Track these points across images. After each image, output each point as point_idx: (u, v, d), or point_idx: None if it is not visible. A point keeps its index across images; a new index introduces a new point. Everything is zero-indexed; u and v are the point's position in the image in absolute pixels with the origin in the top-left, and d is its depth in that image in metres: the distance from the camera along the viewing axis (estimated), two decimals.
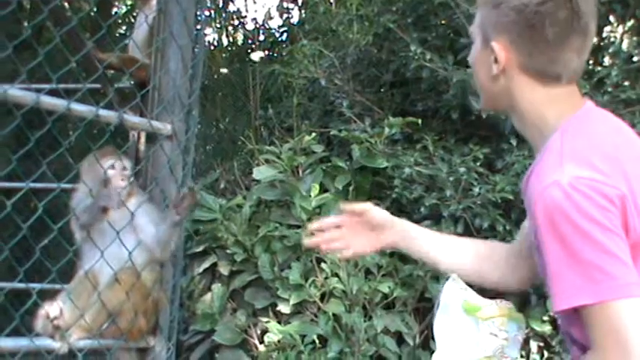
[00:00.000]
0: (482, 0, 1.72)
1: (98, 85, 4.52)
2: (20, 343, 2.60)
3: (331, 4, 6.84)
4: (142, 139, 4.20)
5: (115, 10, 9.25)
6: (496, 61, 1.65)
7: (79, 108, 2.67)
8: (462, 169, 4.94)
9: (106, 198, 2.80)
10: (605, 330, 1.46)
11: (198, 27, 3.41)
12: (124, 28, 9.13)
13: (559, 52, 1.61)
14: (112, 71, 5.19)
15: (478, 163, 5.04)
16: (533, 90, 1.65)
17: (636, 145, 1.64)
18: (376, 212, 2.01)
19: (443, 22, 5.56)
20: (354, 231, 2.01)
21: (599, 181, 1.48)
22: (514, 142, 5.18)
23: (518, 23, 1.61)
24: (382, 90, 5.93)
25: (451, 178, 4.94)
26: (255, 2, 9.55)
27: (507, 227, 4.86)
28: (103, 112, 2.80)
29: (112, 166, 2.90)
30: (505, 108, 1.72)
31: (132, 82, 4.70)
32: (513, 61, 1.64)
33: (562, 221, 1.47)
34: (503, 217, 4.89)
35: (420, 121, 5.22)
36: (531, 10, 1.59)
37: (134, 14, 8.33)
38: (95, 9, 8.13)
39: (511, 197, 4.81)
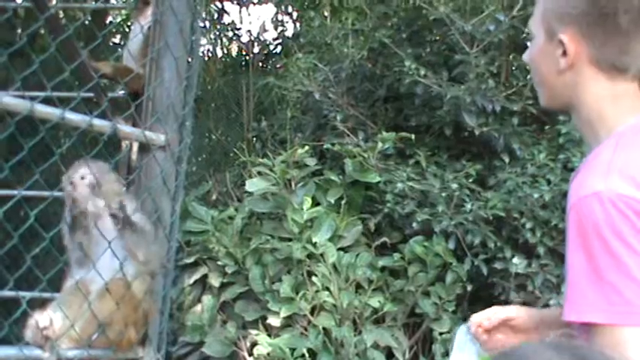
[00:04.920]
0: None
1: (92, 94, 4.52)
2: (9, 352, 2.58)
3: (326, 17, 6.85)
4: (135, 149, 4.20)
5: (110, 19, 9.25)
6: (564, 54, 1.60)
7: (73, 117, 2.65)
8: (455, 185, 4.95)
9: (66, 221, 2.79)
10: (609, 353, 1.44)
11: (194, 38, 3.40)
12: (119, 37, 9.13)
13: (632, 41, 1.56)
14: (106, 80, 5.19)
15: (470, 180, 5.05)
16: (598, 83, 1.59)
17: None
18: (522, 319, 1.91)
19: (437, 38, 5.59)
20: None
21: None
22: (506, 159, 5.20)
23: (591, 14, 1.56)
24: (376, 104, 5.94)
25: (443, 194, 4.95)
26: (249, 14, 9.54)
27: (498, 244, 4.88)
28: (97, 122, 2.78)
29: (71, 182, 2.86)
30: (565, 104, 1.66)
31: (125, 92, 4.70)
32: (583, 54, 1.58)
33: (594, 235, 1.43)
34: (495, 233, 4.90)
35: (413, 136, 5.23)
36: None
37: (129, 24, 8.33)
38: (90, 17, 8.12)
39: (502, 214, 4.82)
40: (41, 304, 2.83)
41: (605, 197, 1.44)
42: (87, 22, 7.83)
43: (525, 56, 1.73)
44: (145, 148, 3.19)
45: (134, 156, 4.19)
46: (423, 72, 5.22)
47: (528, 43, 1.72)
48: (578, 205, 1.48)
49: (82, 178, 2.85)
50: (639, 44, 1.57)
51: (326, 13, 6.97)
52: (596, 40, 1.57)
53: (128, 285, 2.82)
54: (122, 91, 4.78)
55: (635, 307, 1.42)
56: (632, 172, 1.48)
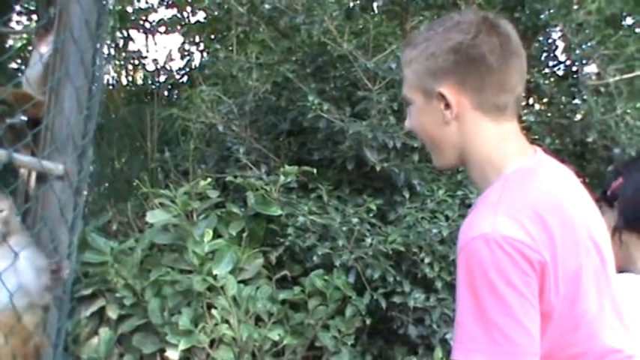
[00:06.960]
0: (409, 57, 1.72)
1: None
2: None
3: (232, 50, 6.88)
4: (33, 177, 4.10)
5: (10, 42, 9.05)
6: (447, 107, 1.66)
7: None
8: (355, 220, 5.01)
9: None
10: None
11: (96, 66, 3.35)
12: (19, 61, 8.94)
13: (505, 75, 1.65)
14: (3, 106, 5.08)
15: (371, 214, 5.12)
16: (484, 127, 1.67)
17: (574, 208, 1.65)
18: None
19: (341, 74, 5.66)
20: None
21: (526, 243, 1.50)
22: (407, 195, 5.30)
23: (460, 62, 1.64)
24: (279, 138, 5.98)
25: (344, 228, 5.00)
26: (156, 43, 9.49)
27: (398, 278, 4.94)
28: None
29: None
30: (458, 157, 1.72)
31: (24, 118, 4.59)
32: (465, 101, 1.66)
33: (480, 276, 1.48)
34: (394, 268, 4.97)
35: (315, 170, 5.28)
36: (467, 45, 1.63)
37: (30, 49, 8.17)
38: None
39: (402, 249, 4.89)
40: None
41: (492, 239, 1.49)
42: None
43: (407, 124, 1.78)
44: (42, 177, 3.13)
45: (32, 184, 4.10)
46: (326, 107, 5.28)
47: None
48: (466, 246, 1.53)
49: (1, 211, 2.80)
50: (513, 78, 1.67)
51: (232, 46, 7.00)
52: (474, 85, 1.65)
53: (18, 317, 2.75)
54: (23, 117, 4.68)
55: (518, 347, 1.48)
56: (518, 214, 1.54)
